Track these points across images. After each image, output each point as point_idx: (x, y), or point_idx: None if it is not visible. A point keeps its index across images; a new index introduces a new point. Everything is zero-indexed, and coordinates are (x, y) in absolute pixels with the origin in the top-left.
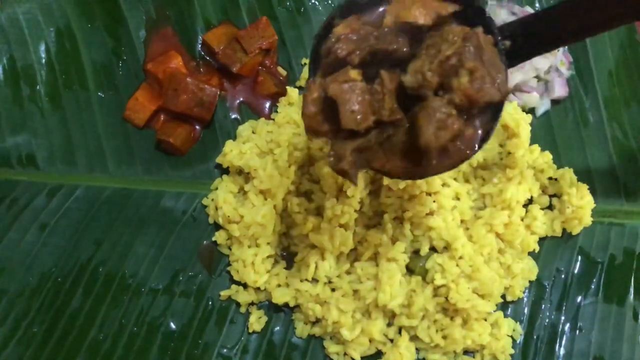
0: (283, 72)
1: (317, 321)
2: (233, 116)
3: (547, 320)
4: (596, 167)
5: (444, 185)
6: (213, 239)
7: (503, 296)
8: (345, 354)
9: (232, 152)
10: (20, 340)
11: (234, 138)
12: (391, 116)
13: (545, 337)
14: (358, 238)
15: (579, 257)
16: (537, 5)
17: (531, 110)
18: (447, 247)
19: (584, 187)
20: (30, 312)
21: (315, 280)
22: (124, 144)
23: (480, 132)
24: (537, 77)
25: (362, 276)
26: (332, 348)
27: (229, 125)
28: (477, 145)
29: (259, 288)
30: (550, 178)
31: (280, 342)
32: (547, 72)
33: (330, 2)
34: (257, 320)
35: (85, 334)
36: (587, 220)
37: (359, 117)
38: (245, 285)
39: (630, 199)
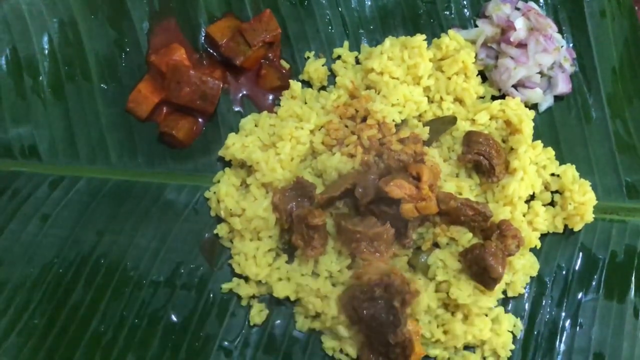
0: (286, 65)
1: (318, 315)
2: (236, 109)
3: (547, 317)
4: (598, 163)
5: (445, 180)
6: (215, 232)
7: (504, 292)
8: (341, 350)
9: (234, 145)
10: (21, 332)
11: (237, 131)
12: None
13: (545, 333)
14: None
15: (580, 254)
16: (540, 0)
17: (534, 106)
18: (448, 243)
19: (586, 184)
20: (32, 303)
21: (316, 275)
22: (126, 136)
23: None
24: (541, 72)
25: None
26: (328, 343)
27: (231, 118)
28: None
29: (260, 281)
30: (552, 174)
31: (281, 335)
32: (551, 68)
33: None
34: (258, 314)
35: (87, 325)
36: (589, 216)
37: None
38: (246, 279)
39: (632, 196)
